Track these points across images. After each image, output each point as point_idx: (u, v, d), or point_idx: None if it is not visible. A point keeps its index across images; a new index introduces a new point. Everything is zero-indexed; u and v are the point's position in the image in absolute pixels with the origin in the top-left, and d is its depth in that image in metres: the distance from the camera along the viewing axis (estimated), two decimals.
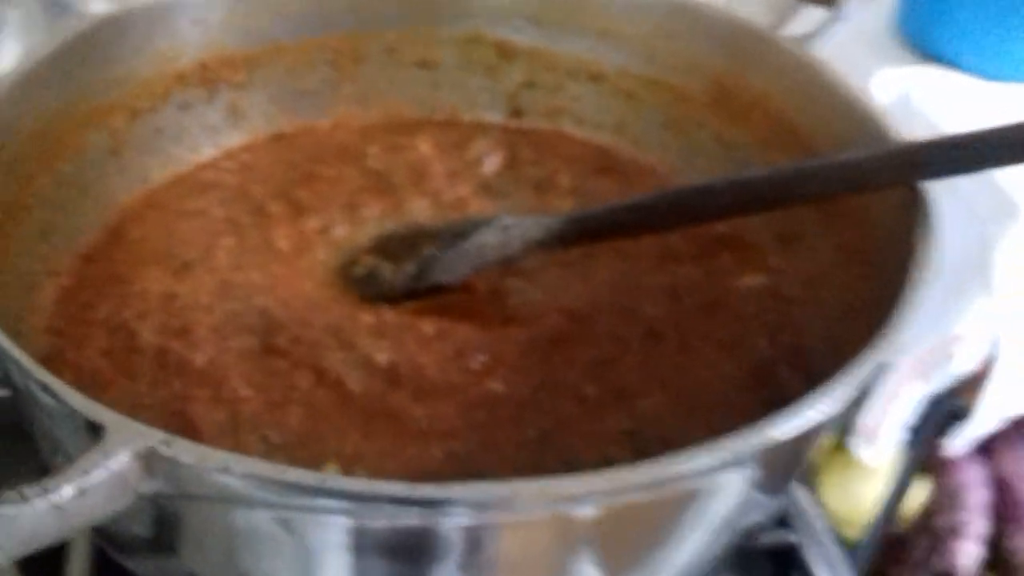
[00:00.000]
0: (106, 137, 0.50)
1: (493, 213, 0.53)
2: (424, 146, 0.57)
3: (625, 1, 0.55)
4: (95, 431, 0.27)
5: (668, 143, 0.57)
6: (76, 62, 0.46)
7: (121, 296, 0.46)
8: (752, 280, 0.50)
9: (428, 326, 0.45)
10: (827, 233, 0.47)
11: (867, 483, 0.75)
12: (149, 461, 0.27)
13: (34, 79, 0.43)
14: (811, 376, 0.45)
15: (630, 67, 0.57)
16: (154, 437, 0.27)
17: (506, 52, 0.58)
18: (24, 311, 0.43)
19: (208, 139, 0.55)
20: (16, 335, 0.41)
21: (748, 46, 0.51)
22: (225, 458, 0.27)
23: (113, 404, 0.39)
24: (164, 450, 0.27)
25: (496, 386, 0.43)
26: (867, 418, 0.68)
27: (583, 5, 0.56)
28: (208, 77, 0.54)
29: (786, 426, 0.33)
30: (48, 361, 0.42)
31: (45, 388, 0.28)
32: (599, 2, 0.56)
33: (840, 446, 0.72)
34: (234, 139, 0.56)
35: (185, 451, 0.27)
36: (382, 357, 0.43)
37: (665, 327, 0.47)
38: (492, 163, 0.56)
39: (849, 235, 0.46)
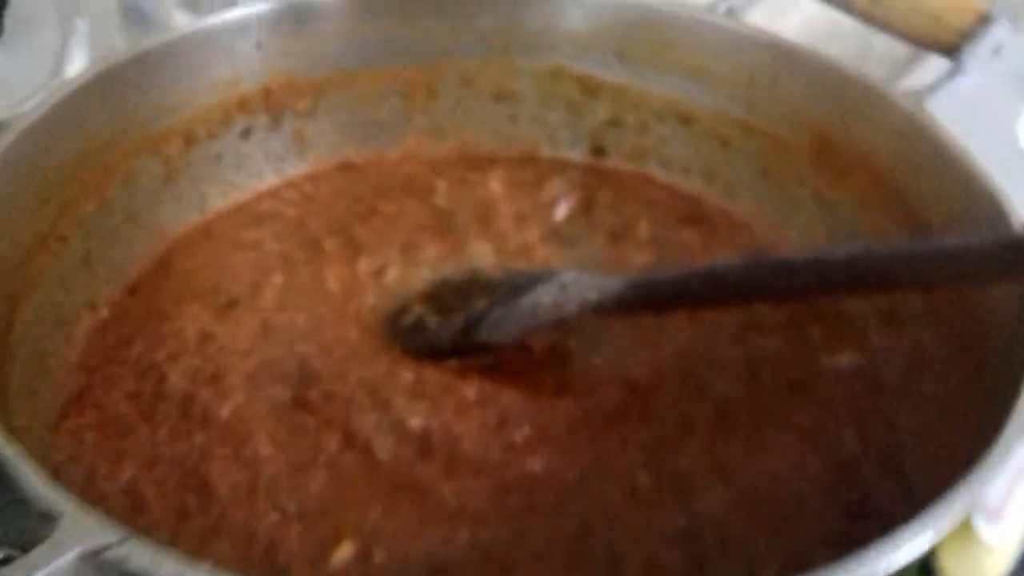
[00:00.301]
0: (159, 164, 0.48)
1: (559, 263, 0.49)
2: (495, 183, 0.54)
3: (722, 40, 0.51)
4: (51, 520, 0.25)
5: (763, 196, 0.52)
6: (126, 87, 0.45)
7: (158, 333, 0.44)
8: (846, 359, 0.45)
9: (471, 389, 0.42)
10: (934, 317, 0.41)
11: (991, 554, 0.68)
12: (101, 560, 0.24)
13: (75, 104, 0.42)
14: (901, 480, 0.40)
15: (724, 111, 0.52)
16: (108, 535, 0.24)
17: (589, 87, 0.54)
18: (56, 345, 0.42)
19: (271, 167, 0.53)
20: (42, 373, 0.40)
21: (855, 97, 0.46)
22: (181, 569, 0.23)
23: (131, 453, 0.39)
24: (116, 551, 0.24)
25: (537, 465, 0.38)
26: (991, 496, 0.62)
27: (674, 41, 0.52)
28: (272, 104, 0.51)
29: (878, 563, 0.27)
30: (74, 401, 0.40)
31: (4, 466, 0.26)
32: (692, 39, 0.51)
33: None
34: (299, 168, 0.54)
35: (139, 554, 0.24)
36: (416, 422, 0.40)
37: (738, 409, 0.42)
38: (565, 207, 0.52)
39: (957, 323, 0.40)
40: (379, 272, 0.48)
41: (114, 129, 0.45)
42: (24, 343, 0.38)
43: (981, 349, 0.37)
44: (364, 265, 0.48)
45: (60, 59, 0.53)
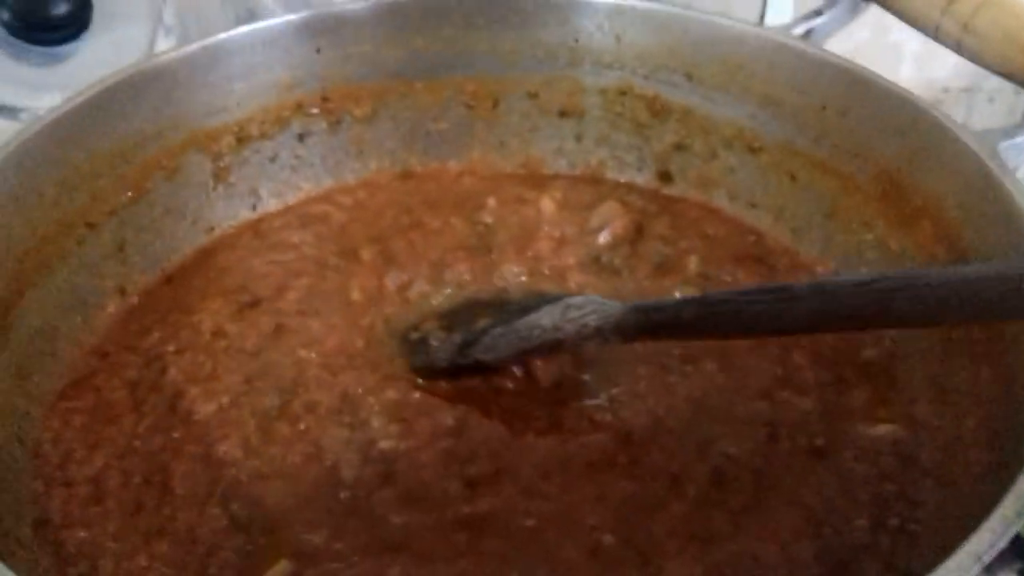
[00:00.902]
0: (208, 160, 0.48)
1: (593, 292, 0.45)
2: (547, 203, 0.51)
3: (796, 65, 0.45)
4: None
5: (830, 239, 0.46)
6: (171, 86, 0.45)
7: (175, 325, 0.44)
8: (884, 429, 0.39)
9: (451, 416, 0.39)
10: (979, 396, 0.35)
11: None
12: None
13: (108, 100, 0.42)
14: None
15: (794, 143, 0.46)
16: None
17: (657, 109, 0.50)
18: (72, 328, 0.42)
19: (328, 171, 0.52)
20: (48, 354, 0.41)
21: (926, 136, 0.40)
22: None
23: (110, 441, 0.39)
24: None
25: (489, 506, 0.35)
26: None
27: (746, 65, 0.47)
28: (330, 108, 0.51)
29: None
30: (75, 384, 0.41)
31: None
32: (764, 62, 0.46)
33: None
34: (358, 173, 0.53)
35: None
36: (386, 444, 0.38)
37: (740, 473, 0.37)
38: (609, 233, 0.48)
39: (998, 406, 0.33)
40: (404, 287, 0.46)
41: (158, 125, 0.45)
42: (28, 324, 0.39)
43: (1010, 439, 0.31)
44: (392, 279, 0.46)
45: (147, 52, 0.54)
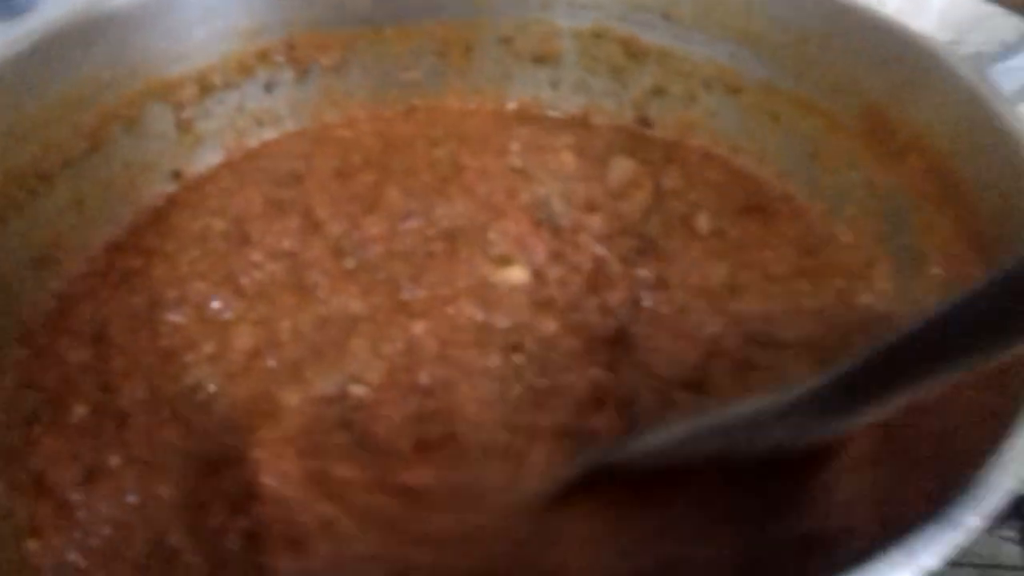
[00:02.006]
0: (171, 111, 0.44)
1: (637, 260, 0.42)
2: (567, 155, 0.46)
3: None
4: None
5: (817, 180, 0.42)
6: (124, 31, 0.40)
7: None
8: None
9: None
10: None
11: None
12: None
13: (57, 45, 0.38)
14: None
15: (774, 81, 0.42)
16: None
17: (634, 51, 0.46)
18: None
19: (297, 123, 0.48)
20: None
21: (912, 64, 0.35)
22: None
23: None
24: None
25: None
26: None
27: (723, 1, 0.42)
28: (296, 57, 0.46)
29: None
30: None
31: None
32: None
33: None
34: (334, 117, 0.48)
35: None
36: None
37: None
38: (638, 201, 0.44)
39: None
40: (506, 260, 0.42)
41: (113, 72, 0.41)
42: None
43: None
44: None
45: None
